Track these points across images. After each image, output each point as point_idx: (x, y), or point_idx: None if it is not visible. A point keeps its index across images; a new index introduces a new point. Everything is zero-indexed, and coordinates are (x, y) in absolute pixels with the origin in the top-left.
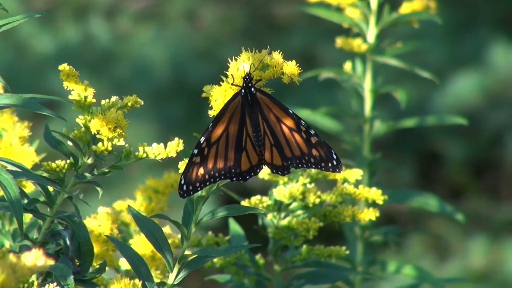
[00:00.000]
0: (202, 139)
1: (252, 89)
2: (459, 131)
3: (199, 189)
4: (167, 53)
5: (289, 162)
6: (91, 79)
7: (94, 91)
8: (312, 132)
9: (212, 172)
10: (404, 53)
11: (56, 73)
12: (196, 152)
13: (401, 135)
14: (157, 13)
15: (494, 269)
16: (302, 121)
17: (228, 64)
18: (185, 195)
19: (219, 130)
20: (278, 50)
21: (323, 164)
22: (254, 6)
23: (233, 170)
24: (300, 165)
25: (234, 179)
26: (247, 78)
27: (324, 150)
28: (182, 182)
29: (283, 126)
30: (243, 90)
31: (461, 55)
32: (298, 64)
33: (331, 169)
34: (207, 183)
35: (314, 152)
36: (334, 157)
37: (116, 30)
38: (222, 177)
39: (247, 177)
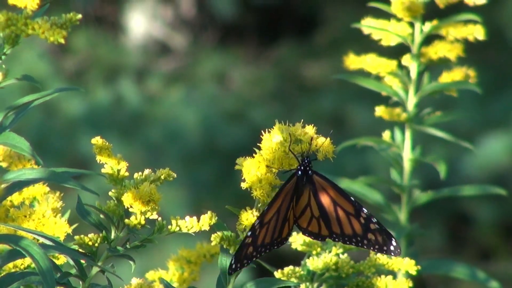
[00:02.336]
0: (257, 222)
1: (310, 172)
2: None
3: (246, 265)
4: (197, 115)
5: (334, 236)
6: (122, 141)
7: (127, 164)
8: (374, 220)
9: (259, 248)
10: (442, 120)
11: (86, 135)
12: (249, 235)
13: None
14: (187, 75)
15: None
16: (364, 209)
17: (261, 135)
18: (232, 272)
19: (272, 212)
20: (308, 118)
21: (377, 247)
22: (283, 67)
23: (276, 241)
24: (347, 243)
25: (275, 247)
26: (306, 161)
27: (383, 236)
28: (233, 261)
29: (339, 209)
30: (299, 172)
31: (491, 117)
32: (329, 134)
33: (385, 252)
34: (254, 259)
35: (370, 236)
36: (394, 243)
37: (146, 91)
38: (267, 250)
39: (285, 241)
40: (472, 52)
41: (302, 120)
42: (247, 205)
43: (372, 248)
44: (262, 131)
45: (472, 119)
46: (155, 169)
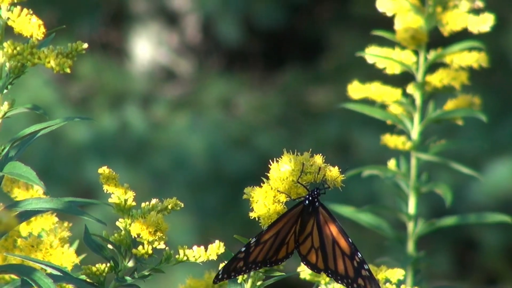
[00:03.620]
0: (253, 240)
1: (317, 203)
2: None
3: (232, 277)
4: (203, 141)
5: (328, 272)
6: (128, 168)
7: (134, 194)
8: (366, 266)
9: (250, 265)
10: (447, 148)
11: (92, 162)
12: (243, 250)
13: None
14: (192, 101)
15: None
16: (359, 253)
17: (267, 163)
18: (217, 281)
19: (271, 233)
20: (314, 146)
21: None
22: (289, 93)
23: (269, 260)
24: (339, 282)
25: (267, 265)
26: (316, 193)
27: (372, 285)
28: (220, 272)
29: (336, 247)
30: (307, 202)
31: (497, 142)
32: (336, 162)
33: None
34: (242, 273)
35: (360, 281)
36: None
37: (152, 118)
38: (257, 267)
39: (280, 262)
40: (476, 78)
41: (310, 149)
42: (255, 231)
43: None
44: (269, 160)
45: (481, 146)
46: (161, 197)
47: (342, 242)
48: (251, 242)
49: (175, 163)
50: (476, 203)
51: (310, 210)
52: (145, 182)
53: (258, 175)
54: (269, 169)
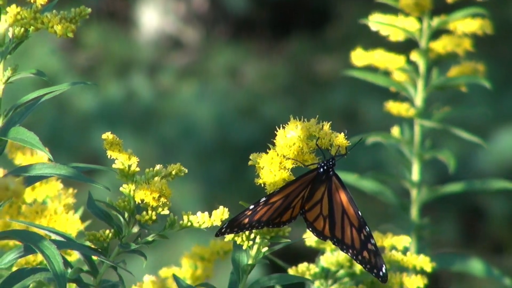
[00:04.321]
0: (263, 199)
1: (331, 172)
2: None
3: (235, 232)
4: (210, 110)
5: (334, 240)
6: (135, 137)
7: (138, 160)
8: (373, 241)
9: (253, 223)
10: (451, 115)
11: (99, 131)
12: (251, 208)
13: None
14: (199, 70)
15: None
16: (367, 227)
17: (274, 131)
18: (219, 234)
19: (280, 195)
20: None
21: (368, 267)
22: (296, 62)
23: (272, 221)
24: (344, 250)
25: (270, 226)
26: (332, 162)
27: (376, 259)
28: (224, 226)
29: (345, 217)
30: (321, 170)
31: (504, 111)
32: (344, 132)
33: (374, 275)
34: (244, 230)
35: (365, 254)
36: (383, 270)
37: (159, 87)
38: (260, 227)
39: (282, 225)
40: (484, 47)
41: (317, 116)
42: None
43: (364, 265)
44: (276, 127)
45: (485, 114)
46: (168, 164)
47: (352, 214)
48: (260, 201)
49: (182, 132)
50: (483, 172)
51: (323, 178)
52: (152, 151)
53: (265, 144)
54: (275, 136)
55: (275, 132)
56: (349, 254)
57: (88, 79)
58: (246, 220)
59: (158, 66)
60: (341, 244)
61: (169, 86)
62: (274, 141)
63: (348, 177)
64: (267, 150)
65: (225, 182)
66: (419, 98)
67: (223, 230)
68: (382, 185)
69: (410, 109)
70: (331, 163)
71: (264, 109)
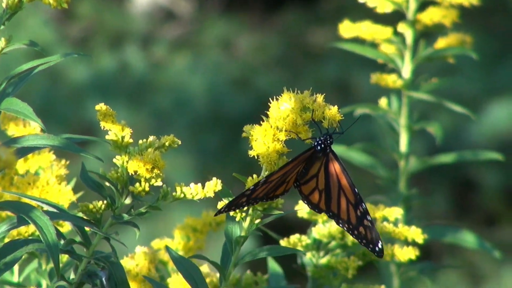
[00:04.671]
0: (263, 179)
1: (328, 150)
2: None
3: (232, 210)
4: (203, 82)
5: (330, 214)
6: (129, 108)
7: (132, 131)
8: (369, 217)
9: (250, 200)
10: (440, 87)
11: (92, 102)
12: (251, 188)
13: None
14: (192, 42)
15: None
16: (363, 204)
17: (268, 103)
18: (218, 214)
19: (279, 174)
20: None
21: (364, 242)
22: (289, 34)
23: (266, 196)
24: (340, 225)
25: (265, 200)
26: (329, 140)
27: (372, 235)
28: (224, 207)
29: (342, 194)
30: (318, 147)
31: (496, 84)
32: (336, 106)
33: (370, 250)
34: (241, 207)
35: (361, 229)
36: (379, 246)
37: (152, 58)
38: (256, 202)
39: (275, 198)
40: (477, 20)
41: (310, 88)
42: (253, 172)
43: (359, 240)
44: (269, 99)
45: (476, 86)
46: (161, 136)
47: (348, 191)
48: (260, 181)
49: (175, 103)
50: (474, 144)
51: (320, 155)
52: (146, 122)
53: (258, 116)
54: (269, 109)
55: (268, 104)
56: (345, 228)
57: (81, 50)
58: (244, 199)
59: (151, 38)
60: (337, 218)
61: (162, 58)
62: (268, 112)
63: (336, 148)
64: (261, 122)
65: (218, 153)
66: (406, 70)
67: (222, 210)
68: (371, 157)
69: (397, 81)
70: (329, 141)
71: (257, 81)
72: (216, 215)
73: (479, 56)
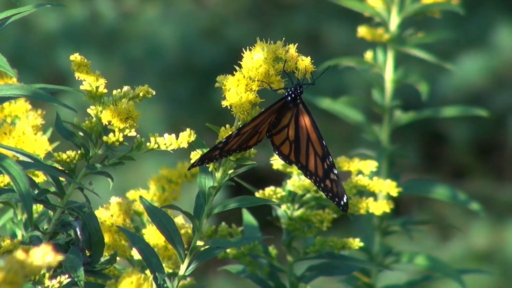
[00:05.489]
0: (235, 132)
1: (298, 100)
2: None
3: (206, 163)
4: (174, 32)
5: (299, 165)
6: (100, 57)
7: (106, 81)
8: (335, 171)
9: (223, 153)
10: (425, 41)
11: (63, 51)
12: (223, 141)
13: None
14: None
15: (497, 249)
16: (330, 157)
17: (240, 53)
18: (191, 168)
19: (251, 126)
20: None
21: (330, 195)
22: None
23: (239, 147)
24: (308, 177)
25: (238, 151)
26: (299, 90)
27: (338, 189)
28: (197, 160)
29: (310, 145)
30: (289, 98)
31: (466, 36)
32: (309, 57)
33: (335, 203)
34: (214, 160)
35: (328, 182)
36: (344, 200)
37: (123, 8)
38: (229, 154)
39: (248, 149)
40: None
41: (281, 38)
42: (223, 122)
43: (326, 193)
44: (241, 50)
45: (447, 39)
46: (133, 86)
47: (316, 143)
48: (232, 134)
49: (146, 53)
50: (446, 98)
51: (290, 105)
52: (117, 71)
53: (229, 66)
54: (240, 59)
55: (239, 54)
56: (312, 180)
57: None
58: (217, 152)
59: None
60: (305, 170)
61: (133, 7)
62: (241, 63)
63: (320, 101)
64: (233, 72)
65: (188, 103)
66: (393, 24)
67: (194, 164)
68: (352, 110)
69: (384, 35)
70: (299, 91)
71: (228, 31)
72: (189, 169)
73: (461, 9)
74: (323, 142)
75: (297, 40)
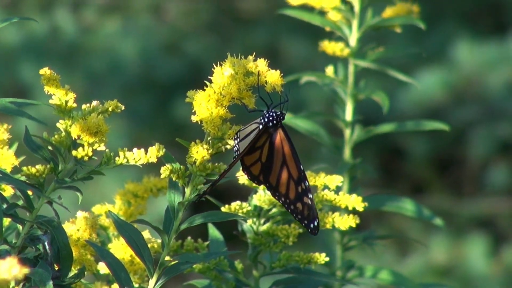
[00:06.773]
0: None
1: (279, 124)
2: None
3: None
4: (134, 46)
5: (268, 186)
6: (61, 71)
7: (75, 96)
8: (311, 196)
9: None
10: (384, 56)
11: (24, 65)
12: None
13: None
14: (122, 6)
15: (456, 264)
16: (306, 181)
17: (199, 68)
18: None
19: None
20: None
21: (299, 217)
22: None
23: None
24: (276, 198)
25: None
26: (280, 117)
27: (310, 212)
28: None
29: (285, 168)
30: (270, 124)
31: (425, 51)
32: (278, 70)
33: (304, 226)
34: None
35: (299, 205)
36: (315, 224)
37: (83, 22)
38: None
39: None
40: None
41: (239, 53)
42: (184, 137)
43: (294, 215)
44: (202, 65)
45: (407, 54)
46: (93, 100)
47: (293, 167)
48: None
49: (107, 67)
50: (404, 112)
51: (270, 130)
52: (79, 85)
53: (189, 81)
54: (200, 75)
55: (200, 68)
56: (281, 201)
57: (12, 13)
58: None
59: (81, 2)
60: (273, 190)
61: (93, 21)
62: (211, 78)
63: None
64: (196, 88)
65: (149, 117)
66: (353, 38)
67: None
68: (314, 124)
69: (345, 49)
70: (281, 117)
71: (187, 45)
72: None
73: (421, 23)
74: (301, 166)
75: (257, 54)
